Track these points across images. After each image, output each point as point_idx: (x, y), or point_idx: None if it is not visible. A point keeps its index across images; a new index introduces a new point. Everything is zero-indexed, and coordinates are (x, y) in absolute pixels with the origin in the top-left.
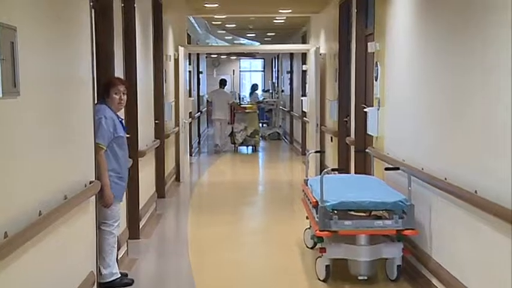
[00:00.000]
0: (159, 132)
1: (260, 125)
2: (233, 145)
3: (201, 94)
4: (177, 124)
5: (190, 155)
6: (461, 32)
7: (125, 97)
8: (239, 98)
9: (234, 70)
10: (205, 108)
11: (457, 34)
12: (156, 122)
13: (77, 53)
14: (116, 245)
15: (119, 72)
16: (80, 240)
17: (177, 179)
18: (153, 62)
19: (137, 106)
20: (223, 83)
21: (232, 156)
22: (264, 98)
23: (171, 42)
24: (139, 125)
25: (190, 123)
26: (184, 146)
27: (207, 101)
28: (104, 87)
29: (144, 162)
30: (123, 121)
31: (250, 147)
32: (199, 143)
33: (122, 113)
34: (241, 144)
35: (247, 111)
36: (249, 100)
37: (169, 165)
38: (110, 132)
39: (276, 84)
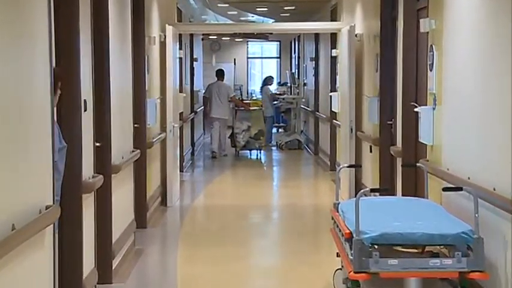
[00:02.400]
0: (140, 140)
1: (274, 129)
2: (234, 148)
3: (195, 89)
4: (163, 129)
5: (181, 170)
6: None
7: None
8: (247, 94)
9: (235, 59)
10: (202, 108)
11: None
12: (136, 126)
13: (28, 41)
14: None
15: (86, 62)
16: (32, 285)
17: (163, 202)
18: (131, 47)
19: (109, 105)
20: (220, 74)
21: (235, 167)
22: (279, 94)
23: (156, 20)
24: (113, 130)
25: (181, 128)
26: (172, 158)
27: (204, 97)
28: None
29: (118, 180)
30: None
31: (254, 152)
32: (193, 153)
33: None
34: (244, 147)
35: (251, 108)
36: (259, 96)
37: (153, 184)
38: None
39: (296, 76)
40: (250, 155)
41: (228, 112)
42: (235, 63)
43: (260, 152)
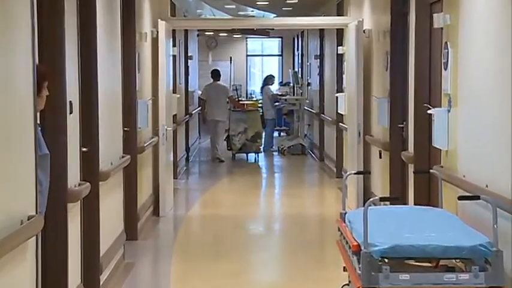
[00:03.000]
0: (130, 144)
1: (276, 133)
2: (229, 151)
3: (190, 89)
4: (155, 133)
5: (175, 177)
6: None
7: (44, 94)
8: (246, 95)
9: (231, 57)
10: (197, 109)
11: None
12: (126, 129)
13: (7, 35)
14: None
15: (71, 59)
16: None
17: (156, 212)
18: (121, 44)
19: (97, 107)
20: (216, 74)
21: (233, 174)
22: (281, 95)
23: (148, 15)
24: (101, 134)
25: (175, 131)
26: (165, 165)
27: (200, 99)
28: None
29: (107, 188)
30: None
31: (252, 155)
32: (188, 159)
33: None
34: (240, 150)
35: (247, 108)
36: (260, 97)
37: (145, 193)
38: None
39: (299, 75)
40: (247, 158)
41: (226, 114)
42: (231, 62)
43: (258, 156)
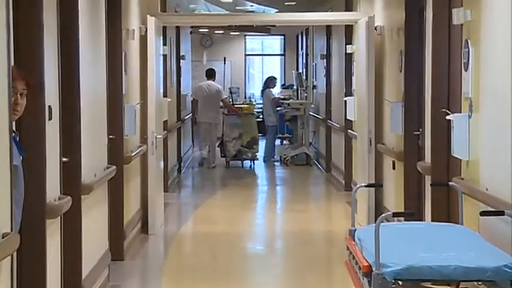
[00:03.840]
0: (116, 154)
1: (278, 141)
2: (223, 159)
3: (182, 92)
4: (144, 141)
5: (166, 190)
6: None
7: (23, 101)
8: (245, 99)
9: (225, 58)
10: (190, 114)
11: None
12: (111, 137)
13: None
14: None
15: (51, 60)
16: None
17: (144, 229)
18: (106, 42)
19: (79, 113)
20: (211, 74)
21: (230, 186)
22: (283, 98)
23: (135, 10)
24: (83, 142)
25: (165, 139)
26: (155, 176)
27: (193, 100)
28: None
29: (90, 202)
30: (17, 137)
31: (247, 162)
32: (179, 170)
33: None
34: (234, 157)
35: (242, 112)
36: (260, 101)
37: (132, 208)
38: None
39: (304, 77)
40: (243, 165)
41: (219, 117)
42: (225, 62)
43: (253, 163)
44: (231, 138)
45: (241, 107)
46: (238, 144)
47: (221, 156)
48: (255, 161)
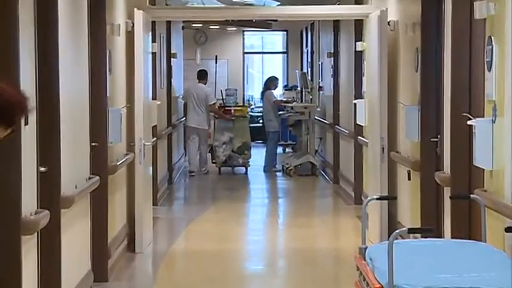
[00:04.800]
0: (99, 163)
1: (280, 149)
2: (214, 165)
3: (174, 94)
4: (131, 148)
5: (155, 203)
6: None
7: None
8: (243, 102)
9: (216, 56)
10: (182, 119)
11: None
12: (94, 144)
13: None
14: None
15: (26, 60)
16: None
17: (131, 247)
18: (88, 39)
19: (58, 117)
20: (202, 75)
21: (226, 198)
22: (286, 101)
23: (121, 3)
24: (62, 150)
25: (154, 147)
26: (143, 188)
27: (185, 103)
28: None
29: (70, 217)
30: None
31: (236, 168)
32: (170, 181)
33: None
34: (225, 163)
35: (232, 116)
36: (260, 104)
37: (117, 223)
38: None
39: (309, 77)
40: (233, 171)
41: (208, 121)
42: (216, 61)
43: (246, 170)
44: (221, 142)
45: (232, 109)
46: (228, 149)
47: (212, 162)
48: (248, 168)
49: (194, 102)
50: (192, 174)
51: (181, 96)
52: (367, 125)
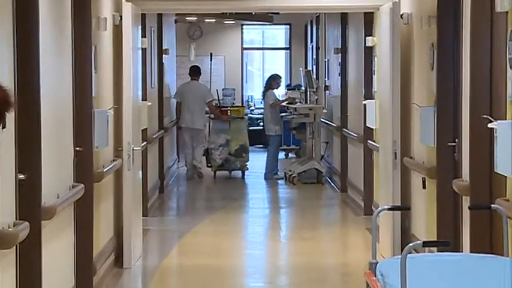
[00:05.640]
0: (84, 170)
1: (282, 154)
2: (209, 169)
3: (165, 95)
4: (118, 154)
5: (145, 214)
6: None
7: None
8: (242, 102)
9: (211, 53)
10: (174, 121)
11: None
12: (78, 149)
13: None
14: None
15: (4, 57)
16: None
17: (119, 262)
18: (72, 34)
19: (38, 120)
20: (195, 72)
21: (221, 208)
22: (289, 102)
23: None
24: (43, 156)
25: (145, 152)
26: (132, 197)
27: (177, 102)
28: None
29: (52, 229)
30: None
31: (233, 173)
32: (162, 189)
33: None
34: (221, 167)
35: (229, 116)
36: (261, 105)
37: (103, 236)
38: None
39: (314, 76)
40: (230, 175)
41: (204, 122)
42: (211, 59)
43: (243, 174)
44: (217, 145)
45: (226, 110)
46: (225, 152)
47: (207, 166)
48: (245, 172)
49: (191, 102)
50: (192, 176)
51: (173, 96)
52: (378, 128)
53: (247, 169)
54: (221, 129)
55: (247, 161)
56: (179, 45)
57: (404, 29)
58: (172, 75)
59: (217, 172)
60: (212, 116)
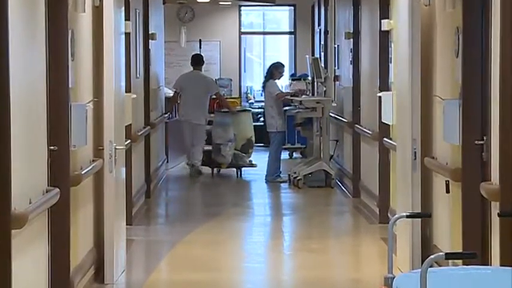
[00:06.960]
0: (59, 172)
1: (285, 154)
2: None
3: (152, 86)
4: (99, 154)
5: (129, 222)
6: None
7: None
8: (240, 94)
9: (200, 40)
10: (162, 116)
11: None
12: (53, 148)
13: None
14: None
15: None
16: None
17: (99, 277)
18: (45, 17)
19: (8, 116)
20: (197, 61)
21: (217, 213)
22: (293, 94)
23: None
24: (13, 156)
25: (129, 151)
26: (114, 203)
27: (174, 92)
28: None
29: (24, 239)
30: None
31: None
32: (148, 194)
33: None
34: (230, 164)
35: (235, 109)
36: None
37: (82, 247)
38: None
39: (322, 64)
40: (239, 174)
41: (205, 116)
42: (200, 46)
43: (241, 173)
44: (226, 140)
45: (232, 101)
46: (231, 148)
47: (210, 166)
48: (242, 173)
49: (191, 93)
50: (192, 168)
51: (168, 92)
52: (396, 124)
53: (256, 165)
54: (223, 123)
55: (251, 157)
56: (168, 30)
57: (426, 11)
58: (160, 63)
59: (220, 171)
60: (218, 109)
